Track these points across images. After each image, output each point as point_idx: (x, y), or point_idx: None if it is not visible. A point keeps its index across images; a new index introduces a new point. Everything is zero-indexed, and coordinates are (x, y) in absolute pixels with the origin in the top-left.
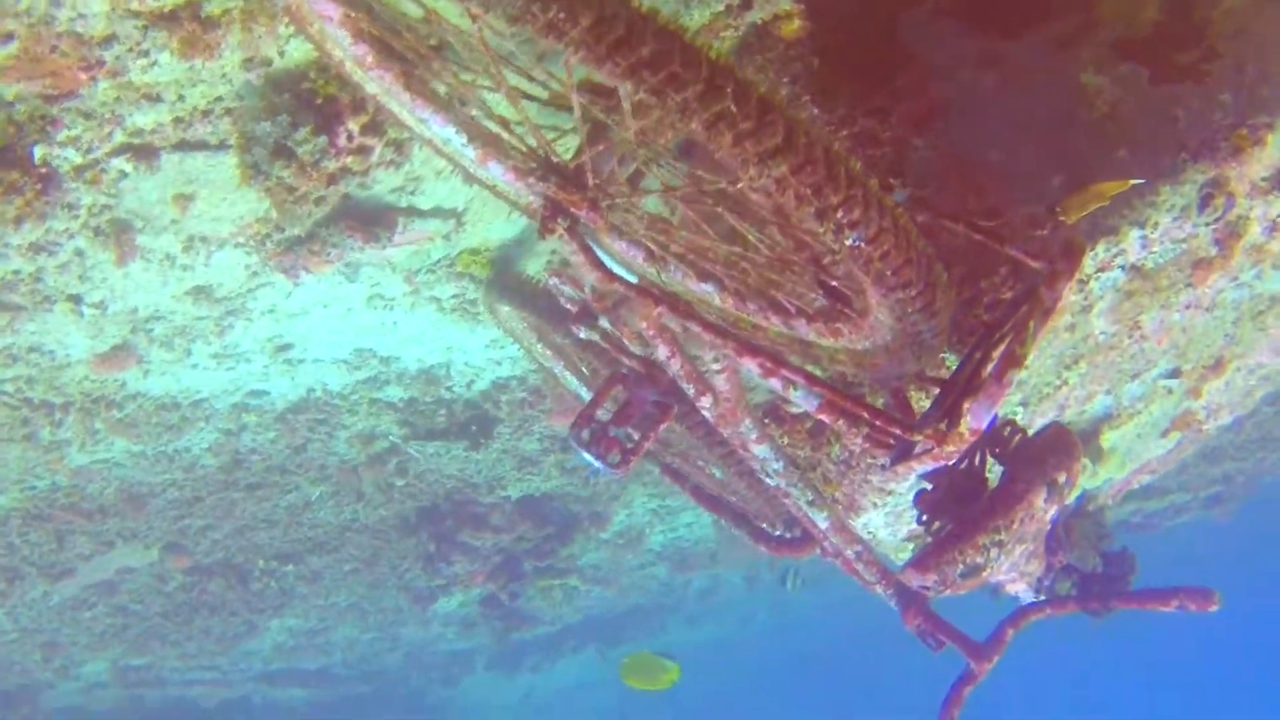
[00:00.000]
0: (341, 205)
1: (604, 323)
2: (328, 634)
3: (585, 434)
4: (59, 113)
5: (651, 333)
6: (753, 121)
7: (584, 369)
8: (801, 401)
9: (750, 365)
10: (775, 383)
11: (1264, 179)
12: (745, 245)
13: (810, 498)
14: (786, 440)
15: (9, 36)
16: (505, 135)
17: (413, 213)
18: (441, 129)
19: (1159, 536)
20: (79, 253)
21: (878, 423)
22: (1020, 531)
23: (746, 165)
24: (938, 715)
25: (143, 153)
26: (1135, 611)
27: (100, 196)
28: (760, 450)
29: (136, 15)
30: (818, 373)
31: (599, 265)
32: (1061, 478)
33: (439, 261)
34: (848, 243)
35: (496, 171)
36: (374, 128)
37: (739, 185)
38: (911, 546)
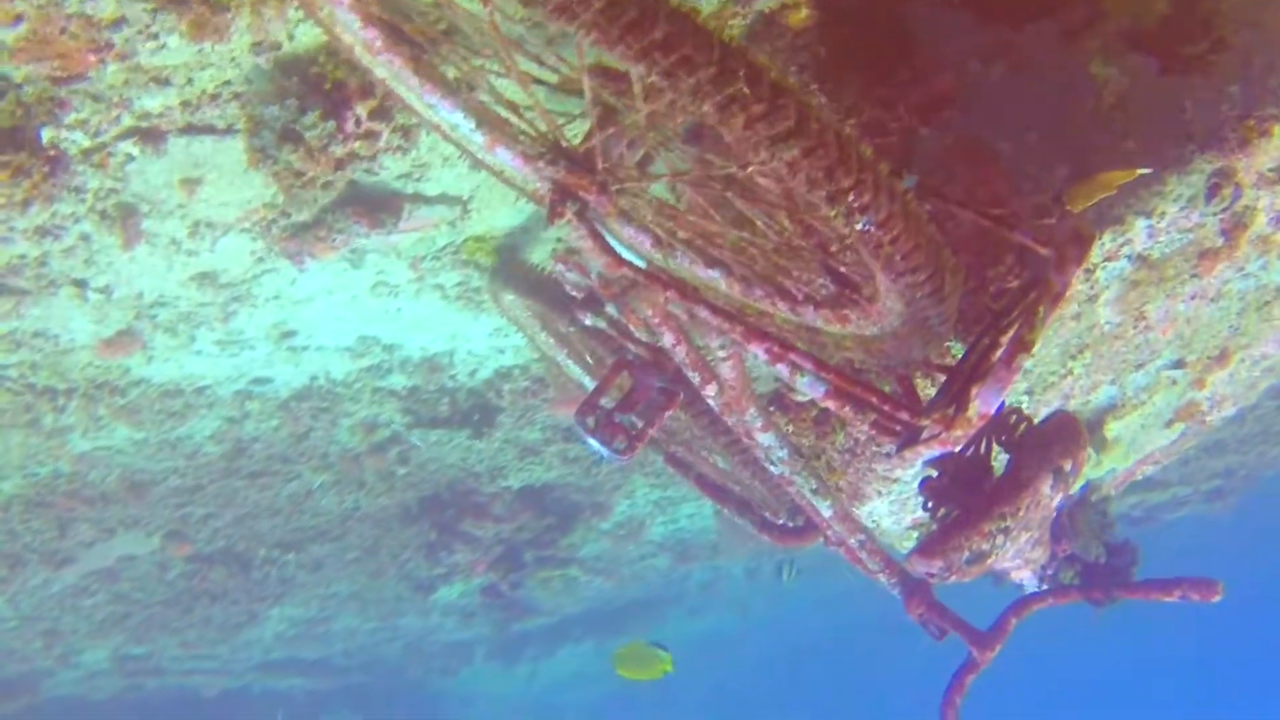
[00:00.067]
0: (348, 191)
1: (610, 309)
2: (328, 624)
3: (591, 420)
4: (67, 95)
5: (657, 320)
6: (765, 104)
7: (588, 358)
8: (808, 388)
9: (758, 350)
10: (782, 368)
11: (1271, 170)
12: (753, 231)
13: (814, 486)
14: (791, 429)
15: (18, 18)
16: (514, 120)
17: (419, 199)
18: (450, 114)
19: (1158, 530)
20: (85, 237)
21: (885, 408)
22: (1026, 518)
23: (758, 148)
24: (940, 704)
25: (150, 136)
26: (1133, 604)
27: (107, 180)
28: (765, 439)
29: None
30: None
31: (607, 250)
32: (1067, 465)
33: (444, 249)
34: (858, 227)
35: (504, 157)
36: (382, 113)
37: (749, 169)
38: (915, 535)
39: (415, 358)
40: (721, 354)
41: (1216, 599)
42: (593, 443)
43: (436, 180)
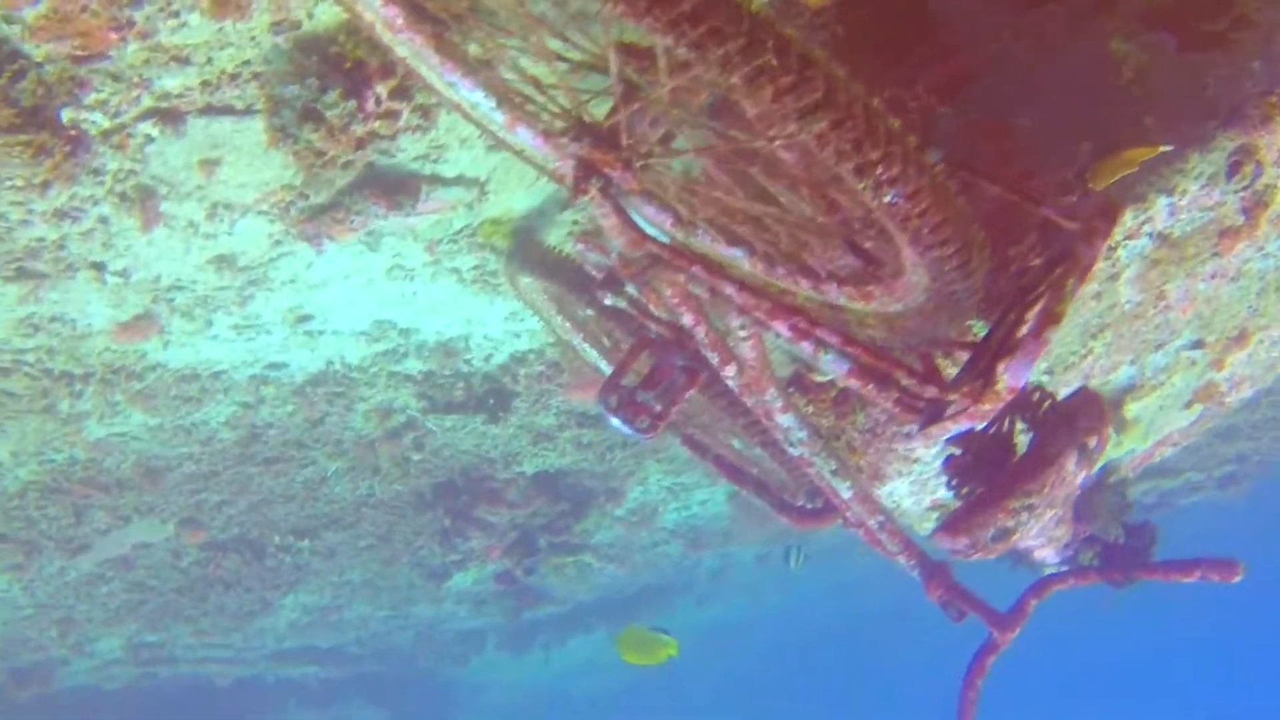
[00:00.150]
0: (366, 173)
1: (631, 289)
2: (341, 612)
3: (614, 400)
4: (87, 74)
5: (676, 300)
6: (794, 76)
7: (604, 340)
8: (831, 366)
9: (782, 328)
10: (806, 345)
11: None
12: (776, 207)
13: (834, 467)
14: (811, 409)
15: None
16: (537, 97)
17: (436, 181)
18: (470, 93)
19: (1171, 515)
20: (103, 219)
21: (913, 381)
22: (1051, 495)
23: (786, 121)
24: (961, 685)
25: (169, 117)
26: (1150, 588)
27: (126, 162)
28: (784, 420)
29: None
30: None
31: (631, 226)
32: (1092, 442)
33: (460, 231)
34: (886, 199)
35: (525, 136)
36: (402, 92)
37: (776, 142)
38: (935, 516)
39: (431, 342)
40: (742, 334)
41: (1237, 579)
42: (616, 422)
43: (454, 162)
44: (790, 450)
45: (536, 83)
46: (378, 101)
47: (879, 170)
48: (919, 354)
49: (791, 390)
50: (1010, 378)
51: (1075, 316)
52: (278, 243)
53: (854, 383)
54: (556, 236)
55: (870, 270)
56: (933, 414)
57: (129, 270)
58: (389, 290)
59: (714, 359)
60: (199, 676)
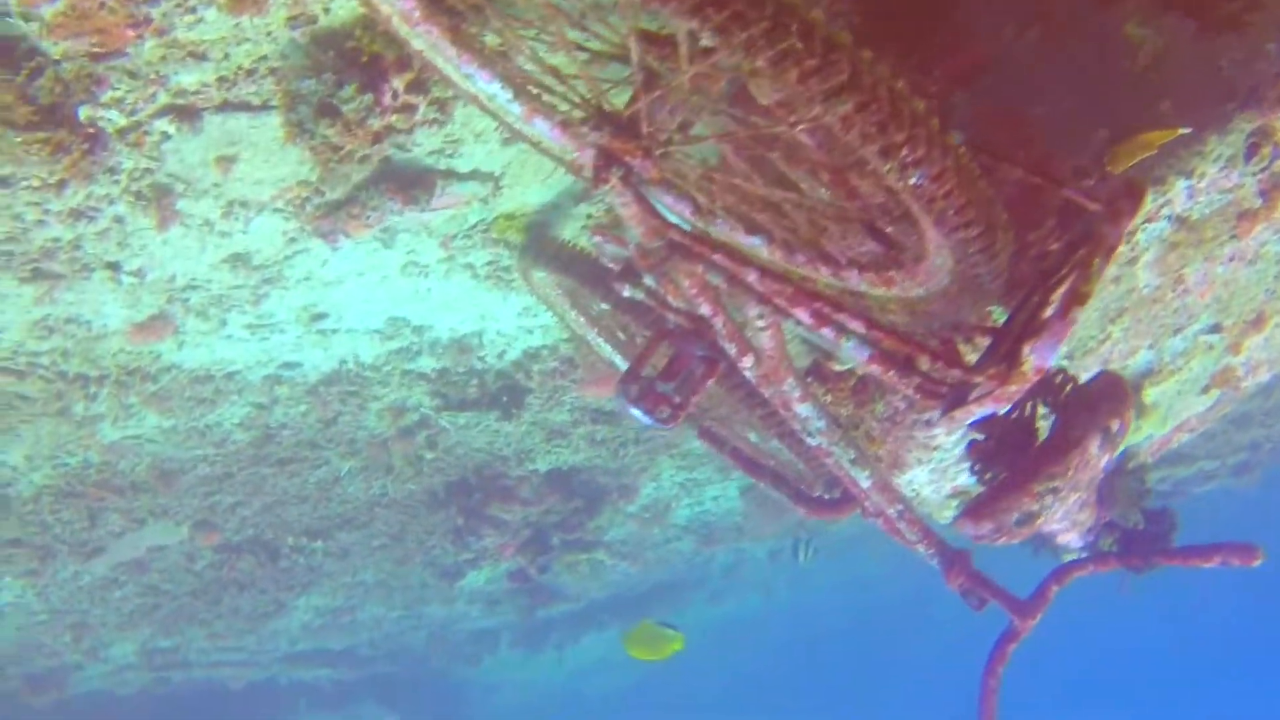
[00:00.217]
0: (381, 168)
1: (649, 280)
2: (354, 613)
3: (634, 390)
4: (105, 71)
5: (694, 291)
6: (818, 59)
7: (619, 334)
8: (852, 353)
9: (804, 315)
10: (828, 332)
11: None
12: (796, 194)
13: (853, 456)
14: (829, 399)
15: None
16: (556, 85)
17: (451, 175)
18: (487, 85)
19: (1184, 503)
20: (118, 219)
21: (937, 365)
22: (1075, 479)
23: (811, 103)
24: (982, 672)
25: (186, 114)
26: (1168, 576)
27: (143, 159)
28: (803, 409)
29: None
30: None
31: (652, 214)
32: (1115, 425)
33: (475, 226)
34: (911, 181)
35: (542, 127)
36: (419, 85)
37: (799, 126)
38: (955, 503)
39: (444, 339)
40: (760, 324)
41: (1256, 564)
42: (636, 413)
43: (469, 156)
44: (808, 440)
45: (555, 72)
46: (394, 95)
47: (904, 152)
48: (940, 339)
49: (810, 380)
50: (1037, 358)
51: (1094, 301)
52: (292, 240)
53: (875, 369)
54: (571, 230)
55: (891, 255)
56: (957, 398)
57: (144, 270)
58: (403, 287)
59: (732, 349)
60: (212, 680)
